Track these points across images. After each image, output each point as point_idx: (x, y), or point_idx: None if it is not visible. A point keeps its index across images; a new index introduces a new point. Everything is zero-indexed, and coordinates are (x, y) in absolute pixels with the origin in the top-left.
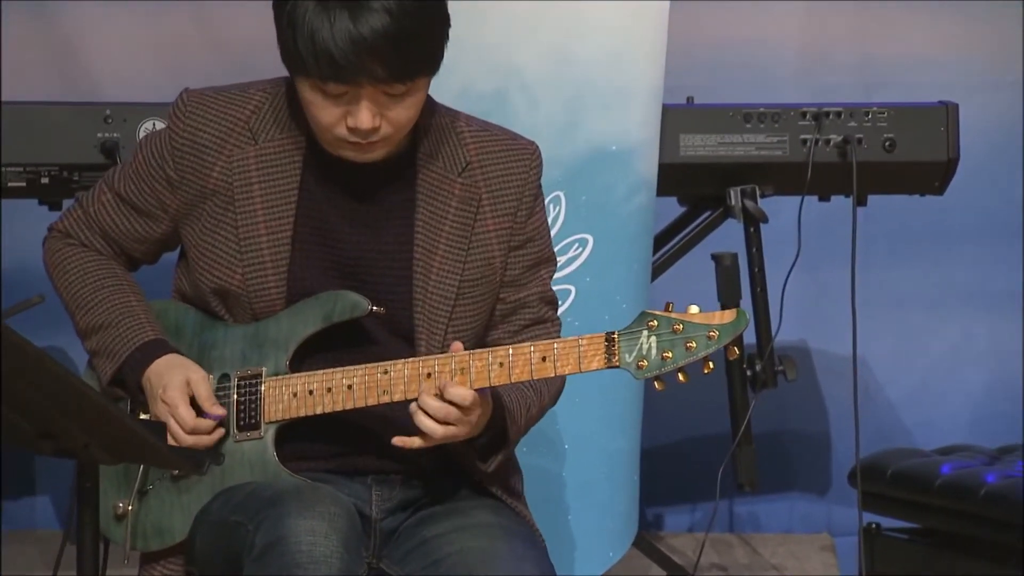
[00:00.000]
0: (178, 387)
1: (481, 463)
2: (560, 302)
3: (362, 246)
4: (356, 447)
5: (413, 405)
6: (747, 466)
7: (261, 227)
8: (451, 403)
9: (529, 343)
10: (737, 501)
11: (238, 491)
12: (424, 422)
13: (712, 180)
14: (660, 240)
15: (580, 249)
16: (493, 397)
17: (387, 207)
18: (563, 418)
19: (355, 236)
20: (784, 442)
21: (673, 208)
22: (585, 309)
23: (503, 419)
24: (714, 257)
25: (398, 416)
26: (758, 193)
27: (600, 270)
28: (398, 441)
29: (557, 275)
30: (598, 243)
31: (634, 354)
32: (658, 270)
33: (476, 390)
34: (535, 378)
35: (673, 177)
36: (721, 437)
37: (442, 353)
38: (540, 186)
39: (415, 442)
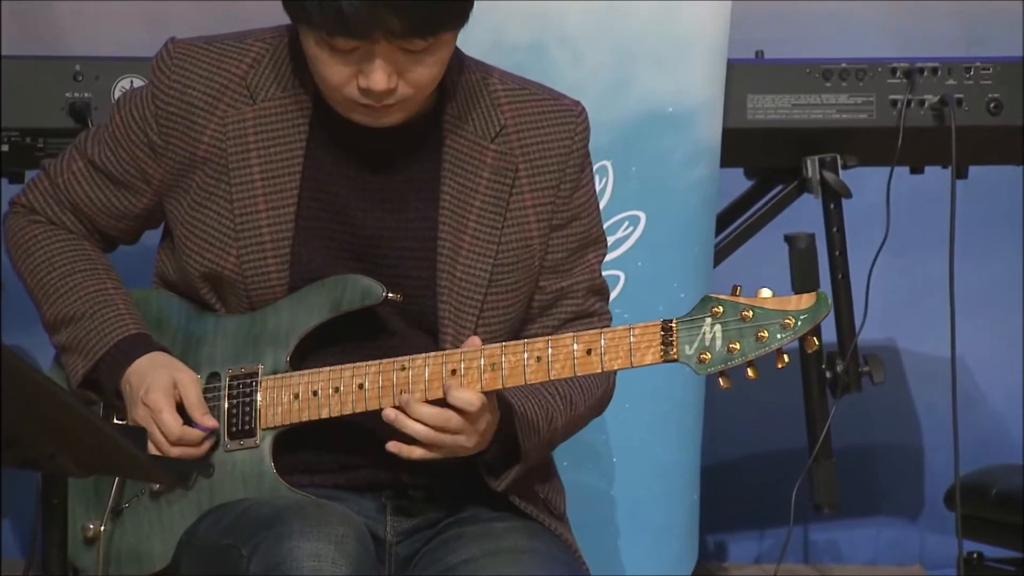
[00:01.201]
0: (163, 389)
1: (492, 479)
2: (609, 290)
3: (377, 223)
4: (368, 458)
5: (387, 411)
6: (826, 485)
7: (260, 201)
8: (456, 409)
9: (571, 334)
10: (813, 527)
11: (230, 510)
12: (417, 430)
13: (785, 148)
14: (724, 219)
15: (631, 228)
16: (501, 404)
17: (407, 178)
18: (610, 426)
19: (369, 212)
20: (869, 457)
21: (739, 181)
22: (636, 299)
23: (512, 428)
24: (788, 239)
25: None
26: (839, 164)
27: (654, 253)
28: (393, 447)
29: (606, 258)
30: (651, 222)
31: (695, 345)
32: (721, 254)
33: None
34: (578, 374)
35: (739, 145)
36: (795, 451)
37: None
38: (587, 154)
39: (415, 452)
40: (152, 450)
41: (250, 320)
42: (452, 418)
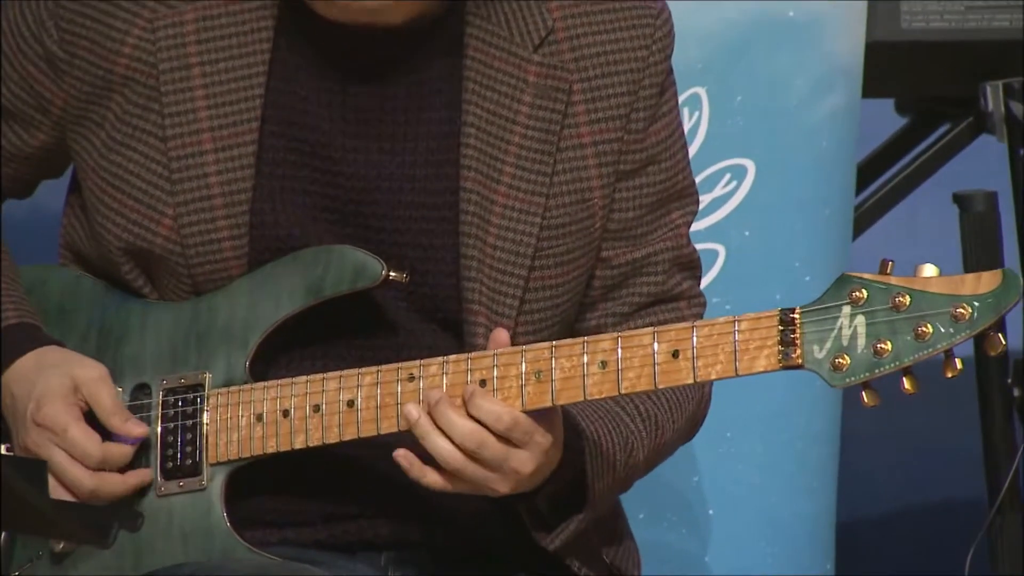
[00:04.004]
0: (61, 397)
1: (542, 533)
2: (701, 265)
3: (373, 170)
4: (362, 505)
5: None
6: (1012, 549)
7: (205, 139)
8: (478, 422)
9: (649, 329)
10: None
11: None
12: (441, 448)
13: (953, 71)
14: (867, 171)
15: (733, 184)
16: (567, 425)
17: (416, 106)
18: (704, 464)
19: (361, 153)
20: None
21: (889, 118)
22: (740, 283)
23: (580, 463)
24: (958, 199)
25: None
26: None
27: (766, 219)
28: (402, 458)
29: (695, 226)
30: (763, 174)
31: (828, 345)
32: (864, 220)
33: (532, 412)
34: (660, 386)
35: (890, 66)
36: (969, 502)
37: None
38: (670, 72)
39: (428, 476)
40: (57, 489)
41: (193, 310)
42: (490, 444)
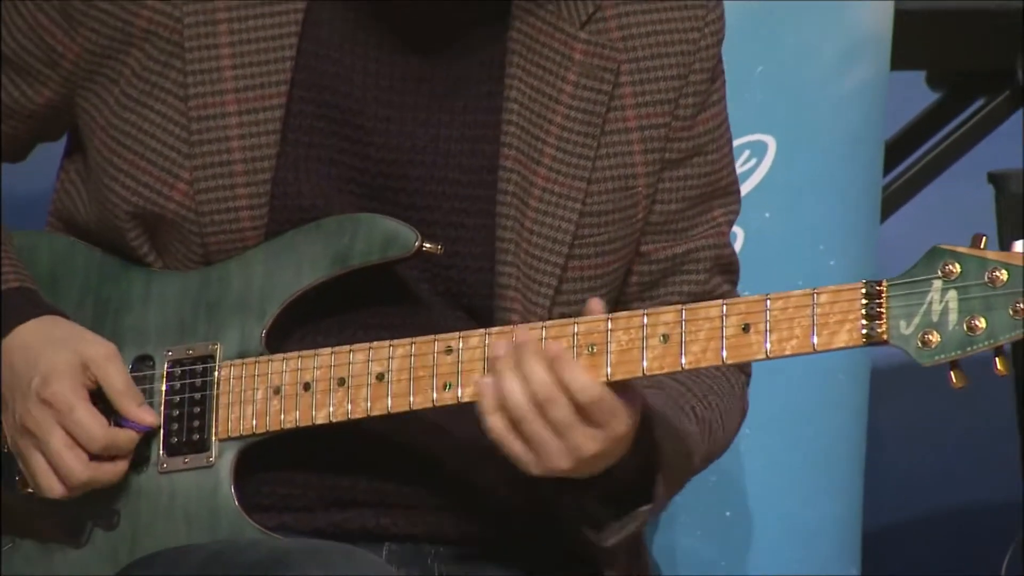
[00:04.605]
0: (69, 374)
1: (594, 532)
2: (739, 271)
3: (406, 142)
4: (366, 493)
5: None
6: None
7: (229, 100)
8: (566, 389)
9: (719, 301)
10: None
11: (171, 565)
12: (511, 391)
13: (989, 41)
14: (896, 148)
15: (753, 161)
16: (643, 407)
17: (454, 75)
18: (720, 461)
19: (394, 124)
20: None
21: (920, 92)
22: (759, 268)
23: (650, 450)
24: (993, 178)
25: (459, 435)
26: None
27: (787, 199)
28: (482, 384)
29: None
30: (784, 151)
31: (917, 321)
32: (892, 200)
33: (617, 393)
34: (728, 362)
35: (921, 36)
36: (1005, 503)
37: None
38: (720, 59)
39: (494, 419)
40: (42, 476)
41: (202, 279)
42: (562, 404)
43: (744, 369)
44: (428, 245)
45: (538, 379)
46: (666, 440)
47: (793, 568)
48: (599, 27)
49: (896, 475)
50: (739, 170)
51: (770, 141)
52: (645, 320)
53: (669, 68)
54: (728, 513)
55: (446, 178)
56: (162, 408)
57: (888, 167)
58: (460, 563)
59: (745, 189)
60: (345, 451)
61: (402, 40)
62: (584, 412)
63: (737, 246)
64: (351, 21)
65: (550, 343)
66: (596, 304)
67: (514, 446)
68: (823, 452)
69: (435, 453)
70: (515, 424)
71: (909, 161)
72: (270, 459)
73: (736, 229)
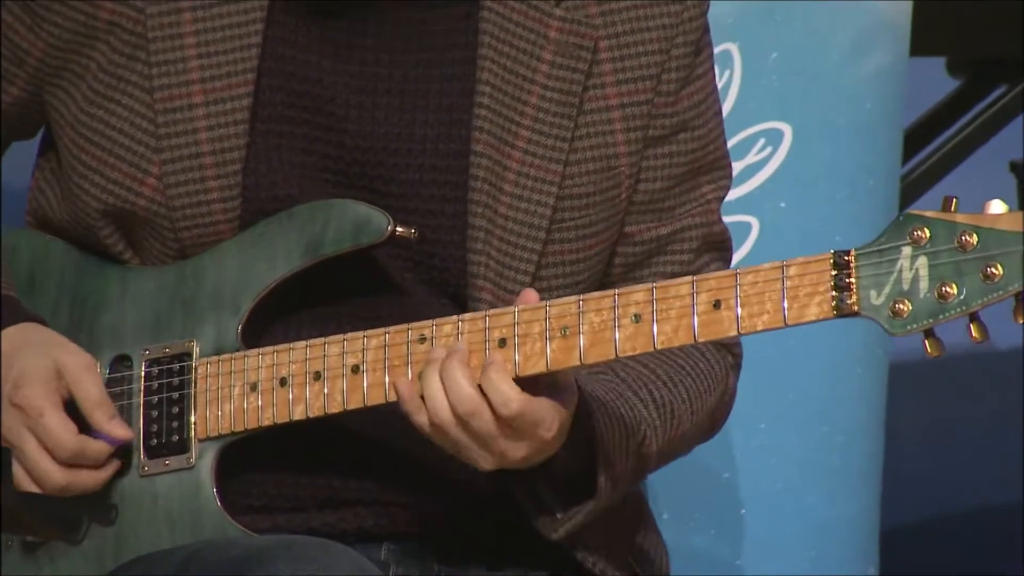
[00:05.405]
0: (42, 380)
1: (545, 517)
2: (732, 246)
3: (378, 128)
4: (360, 491)
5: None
6: None
7: (195, 91)
8: (489, 404)
9: (688, 278)
10: None
11: (153, 566)
12: (437, 400)
13: (1011, 28)
14: (915, 137)
15: (768, 149)
16: (577, 412)
17: (428, 60)
18: (737, 459)
19: (365, 110)
20: None
21: (939, 80)
22: (775, 257)
23: (587, 444)
24: (1015, 167)
25: None
26: None
27: (803, 189)
28: (402, 386)
29: (728, 197)
30: (800, 139)
31: (887, 290)
32: (911, 190)
33: (545, 395)
34: (700, 340)
35: (941, 21)
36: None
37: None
38: (705, 31)
39: (420, 418)
40: (23, 479)
41: (177, 274)
42: (484, 418)
43: (732, 350)
44: (401, 229)
45: (457, 391)
46: (608, 431)
47: (809, 567)
48: (576, 3)
49: (914, 473)
50: (754, 159)
51: (786, 129)
52: (616, 300)
53: (650, 43)
54: (743, 511)
55: (422, 164)
56: (141, 410)
57: (907, 155)
58: (460, 561)
59: (759, 179)
60: (335, 450)
61: (370, 24)
62: (505, 424)
63: (752, 237)
64: (317, 5)
65: (492, 354)
66: (530, 294)
67: (442, 443)
68: (840, 449)
69: (428, 451)
70: (438, 428)
71: (929, 149)
72: (260, 460)
73: (750, 219)
